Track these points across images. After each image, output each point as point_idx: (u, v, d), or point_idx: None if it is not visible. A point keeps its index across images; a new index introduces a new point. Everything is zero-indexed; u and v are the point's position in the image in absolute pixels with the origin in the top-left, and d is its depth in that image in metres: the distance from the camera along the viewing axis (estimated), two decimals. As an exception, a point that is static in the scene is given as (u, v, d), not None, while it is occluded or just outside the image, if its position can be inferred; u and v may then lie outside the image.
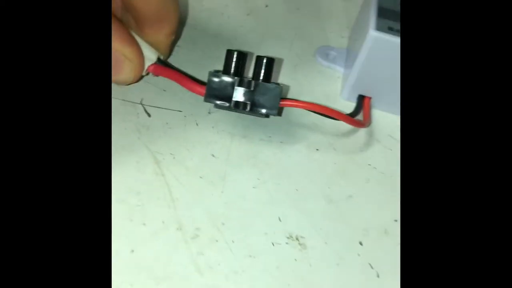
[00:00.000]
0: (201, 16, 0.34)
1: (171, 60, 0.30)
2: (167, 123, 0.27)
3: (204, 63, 0.30)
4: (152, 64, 0.27)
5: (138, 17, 0.26)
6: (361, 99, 0.29)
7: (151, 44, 0.27)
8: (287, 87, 0.31)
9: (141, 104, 0.28)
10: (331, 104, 0.30)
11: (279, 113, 0.29)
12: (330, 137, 0.28)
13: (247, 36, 0.33)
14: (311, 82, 0.31)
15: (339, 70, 0.32)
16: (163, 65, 0.27)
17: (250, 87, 0.25)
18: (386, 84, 0.28)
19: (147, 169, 0.25)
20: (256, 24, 0.35)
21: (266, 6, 0.36)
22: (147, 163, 0.25)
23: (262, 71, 0.26)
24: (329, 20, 0.36)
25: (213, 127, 0.28)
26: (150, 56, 0.27)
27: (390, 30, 0.26)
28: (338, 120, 0.27)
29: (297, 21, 0.35)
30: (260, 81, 0.26)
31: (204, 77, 0.26)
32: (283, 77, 0.31)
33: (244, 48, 0.31)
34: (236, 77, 0.25)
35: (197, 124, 0.27)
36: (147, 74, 0.28)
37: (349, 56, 0.32)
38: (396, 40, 0.26)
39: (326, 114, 0.27)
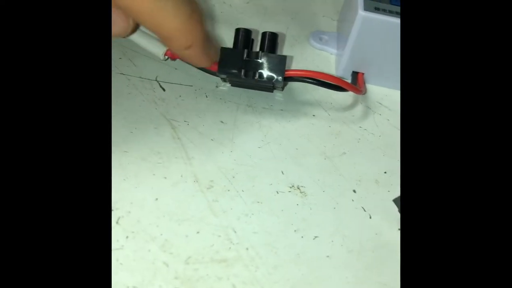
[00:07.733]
0: (205, 6, 0.38)
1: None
2: (180, 96, 0.31)
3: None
4: (168, 50, 0.31)
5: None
6: (355, 75, 0.33)
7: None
8: (289, 61, 0.34)
9: (156, 80, 0.31)
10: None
11: (282, 88, 0.32)
12: (324, 104, 0.32)
13: (248, 22, 0.37)
14: (307, 59, 0.35)
15: (332, 51, 0.36)
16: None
17: (258, 58, 0.29)
18: (376, 60, 0.32)
19: (165, 133, 0.28)
20: (255, 11, 0.38)
21: (264, -5, 0.40)
22: (165, 129, 0.29)
23: (268, 43, 0.29)
24: (321, 5, 0.39)
25: (220, 99, 0.31)
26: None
27: (376, 10, 0.30)
28: (339, 86, 0.29)
29: (291, 7, 0.39)
30: (266, 52, 0.29)
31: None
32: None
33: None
34: (245, 49, 0.29)
35: (206, 96, 0.31)
36: (166, 59, 0.31)
37: (340, 38, 0.35)
38: (383, 18, 0.29)
39: (329, 81, 0.29)
